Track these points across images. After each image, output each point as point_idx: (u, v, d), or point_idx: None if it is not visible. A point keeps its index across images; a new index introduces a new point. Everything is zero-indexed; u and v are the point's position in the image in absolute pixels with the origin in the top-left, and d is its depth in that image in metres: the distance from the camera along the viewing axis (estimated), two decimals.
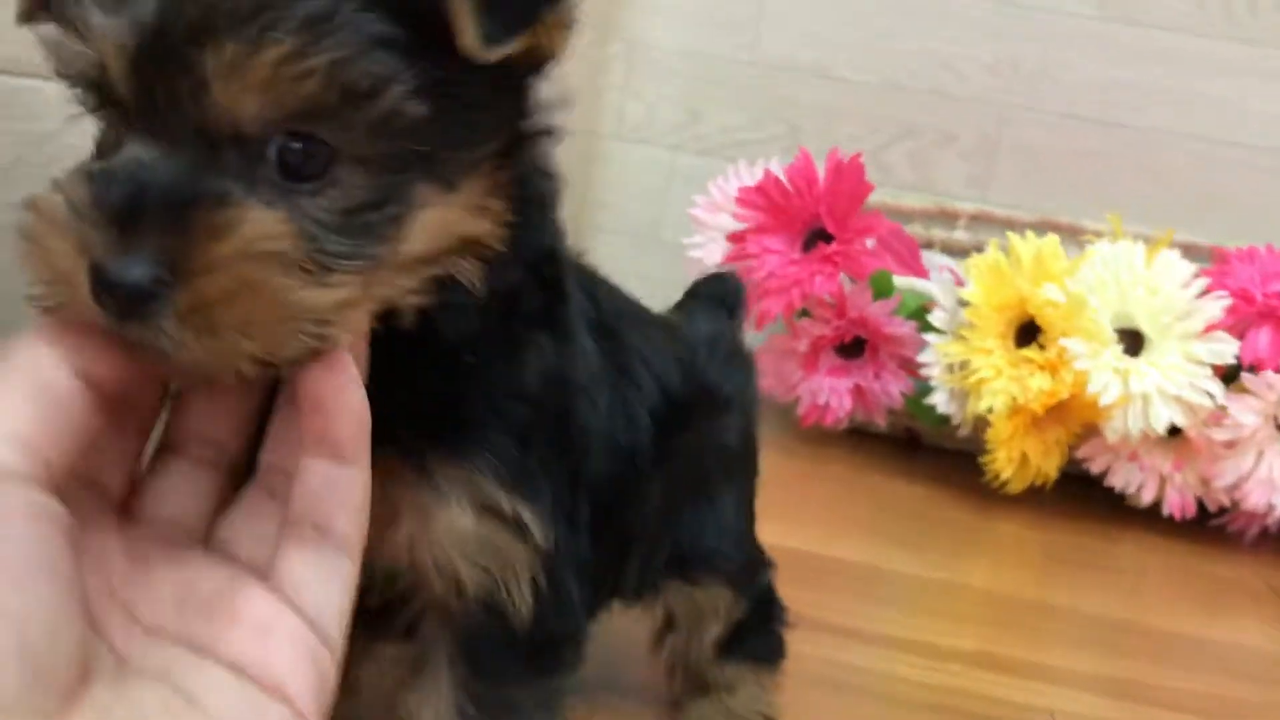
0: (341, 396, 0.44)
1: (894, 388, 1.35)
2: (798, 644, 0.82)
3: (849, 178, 1.29)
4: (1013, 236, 1.25)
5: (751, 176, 1.40)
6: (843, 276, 1.30)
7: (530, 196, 0.50)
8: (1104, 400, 1.19)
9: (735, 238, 1.34)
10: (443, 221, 0.45)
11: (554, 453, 0.53)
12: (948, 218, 1.70)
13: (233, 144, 0.41)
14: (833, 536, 1.14)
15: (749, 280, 1.33)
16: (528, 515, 0.50)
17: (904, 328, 1.31)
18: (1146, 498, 1.28)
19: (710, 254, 1.40)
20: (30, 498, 0.38)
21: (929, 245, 1.66)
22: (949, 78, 1.75)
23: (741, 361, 0.79)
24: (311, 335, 0.42)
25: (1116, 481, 1.29)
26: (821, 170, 1.32)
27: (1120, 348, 1.22)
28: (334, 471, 0.45)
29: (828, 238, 1.32)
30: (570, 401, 0.55)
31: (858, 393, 1.37)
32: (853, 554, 1.11)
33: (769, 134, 1.77)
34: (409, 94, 0.42)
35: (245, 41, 0.39)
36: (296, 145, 0.42)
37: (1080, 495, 1.36)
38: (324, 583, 0.44)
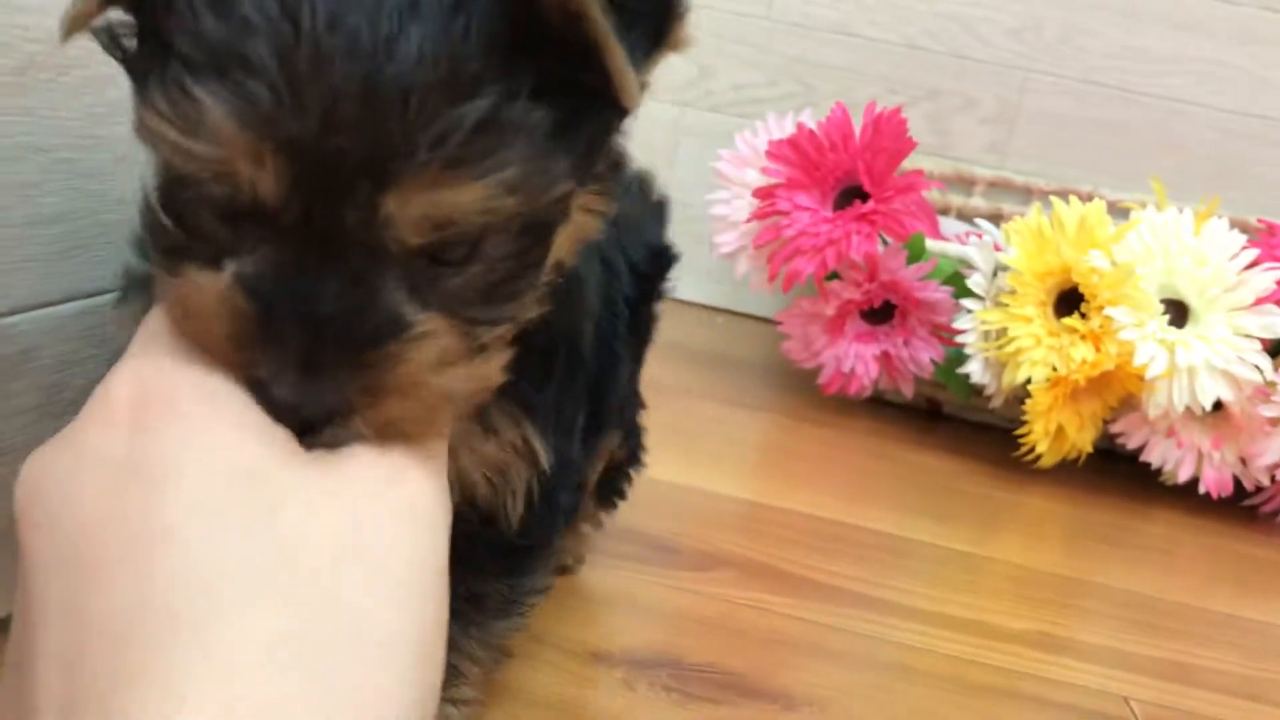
0: None
1: (924, 356, 1.30)
2: (825, 615, 0.82)
3: (888, 133, 1.24)
4: (1056, 202, 1.20)
5: (781, 130, 1.33)
6: (882, 238, 1.24)
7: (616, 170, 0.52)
8: (1150, 372, 1.14)
9: (762, 193, 1.28)
10: (567, 244, 0.47)
11: (566, 379, 0.56)
12: (965, 183, 1.65)
13: (393, 253, 0.41)
14: (856, 506, 1.09)
15: (777, 238, 1.27)
16: (537, 442, 0.53)
17: (938, 293, 1.26)
18: (1184, 475, 1.24)
19: (735, 209, 1.34)
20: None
21: (945, 211, 1.61)
22: (971, 41, 1.69)
23: (659, 203, 0.81)
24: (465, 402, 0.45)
25: (1153, 458, 1.25)
26: (858, 126, 1.26)
27: (1166, 319, 1.18)
28: None
29: (862, 196, 1.26)
30: (581, 326, 0.58)
31: (885, 360, 1.32)
32: (878, 524, 1.06)
33: (783, 92, 1.71)
34: (566, 181, 0.43)
35: (420, 166, 0.39)
36: (453, 247, 0.42)
37: (1110, 470, 1.32)
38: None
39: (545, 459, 0.54)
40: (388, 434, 0.42)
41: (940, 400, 1.43)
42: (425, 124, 0.39)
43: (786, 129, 1.33)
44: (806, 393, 1.39)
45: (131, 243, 0.51)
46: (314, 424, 0.41)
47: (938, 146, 1.69)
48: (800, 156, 1.27)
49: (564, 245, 0.47)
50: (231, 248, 0.42)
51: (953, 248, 1.30)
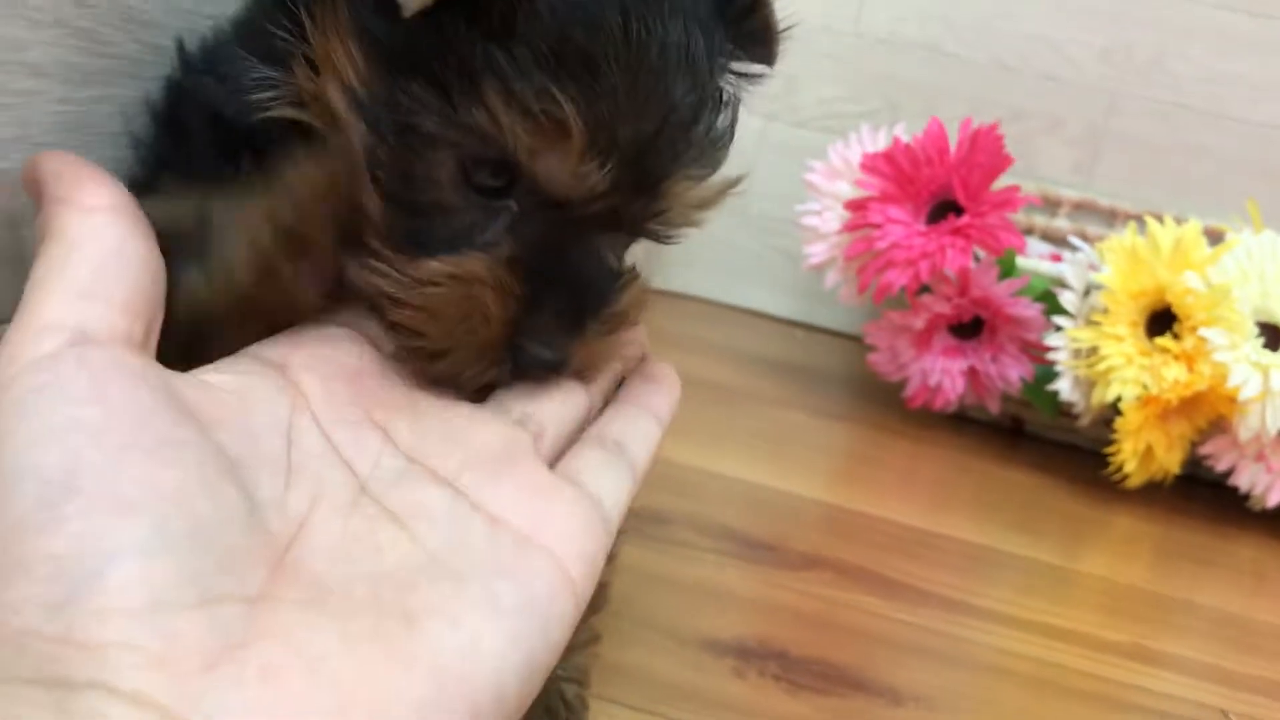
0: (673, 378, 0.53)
1: (1013, 372, 1.30)
2: (922, 618, 0.83)
3: (985, 149, 1.24)
4: (1151, 222, 1.20)
5: (874, 144, 1.34)
6: (976, 252, 1.25)
7: None
8: (1244, 395, 1.14)
9: (855, 205, 1.29)
10: None
11: None
12: (1050, 204, 1.65)
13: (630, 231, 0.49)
14: (942, 516, 1.09)
15: (869, 250, 1.28)
16: None
17: (1030, 310, 1.26)
18: (1273, 500, 1.23)
19: (825, 221, 1.35)
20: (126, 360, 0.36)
21: (1029, 231, 1.61)
22: (1060, 62, 1.70)
23: None
24: None
25: (1241, 481, 1.24)
26: (954, 140, 1.27)
27: (1260, 342, 1.17)
28: (639, 414, 0.50)
29: (956, 210, 1.27)
30: None
31: (971, 376, 1.32)
32: (965, 534, 1.06)
33: (867, 108, 1.72)
34: None
35: (695, 164, 0.46)
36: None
37: (1196, 493, 1.31)
38: (613, 479, 0.45)
39: None
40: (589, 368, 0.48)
41: (1024, 418, 1.43)
42: (705, 132, 0.46)
43: (880, 143, 1.34)
44: (890, 405, 1.40)
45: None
46: (538, 373, 0.46)
47: (1022, 167, 1.68)
48: (895, 170, 1.28)
49: None
50: (475, 230, 0.45)
51: (1045, 265, 1.30)
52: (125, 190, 0.40)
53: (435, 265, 0.44)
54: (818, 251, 1.37)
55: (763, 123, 1.76)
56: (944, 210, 1.28)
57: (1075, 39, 1.69)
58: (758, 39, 0.53)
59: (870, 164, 1.30)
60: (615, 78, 0.42)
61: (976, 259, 1.26)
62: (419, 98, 0.43)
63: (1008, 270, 1.28)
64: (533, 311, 0.44)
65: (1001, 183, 1.25)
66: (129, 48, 0.53)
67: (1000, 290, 1.26)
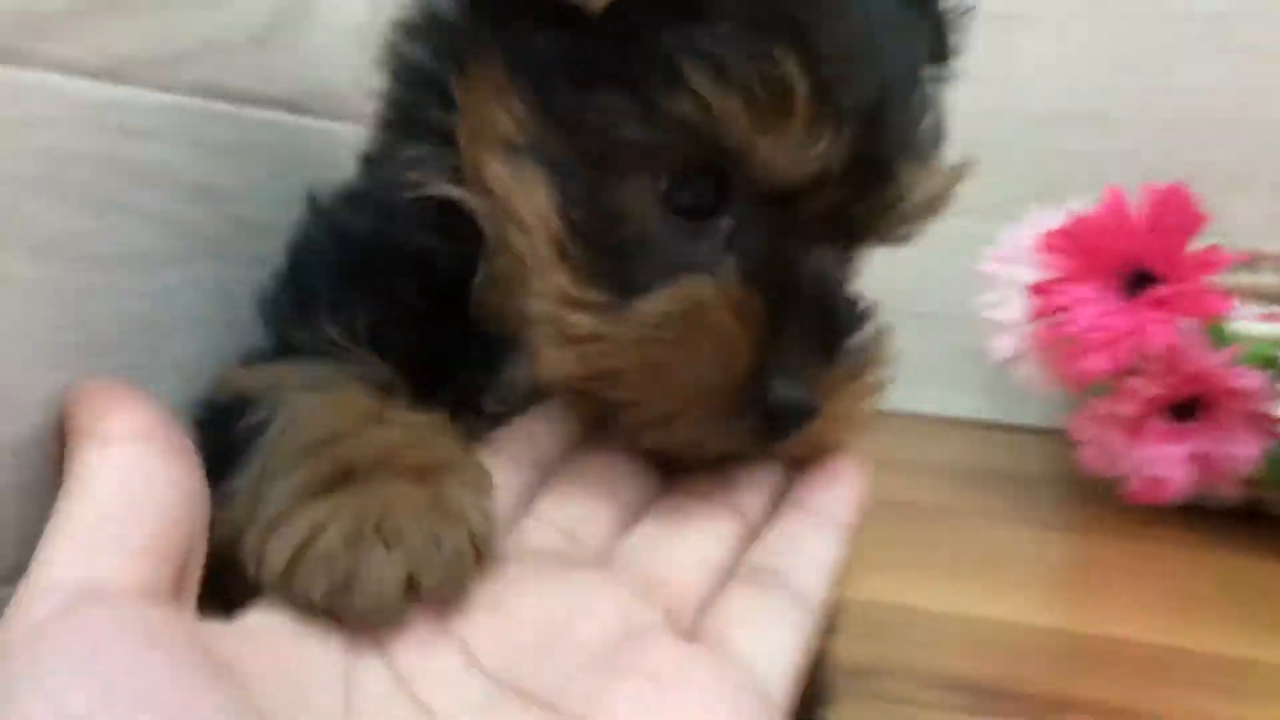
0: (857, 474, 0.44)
1: (1242, 450, 1.15)
2: None
3: (1173, 210, 1.13)
4: None
5: (1049, 222, 1.24)
6: (1181, 324, 1.12)
7: None
8: None
9: (1040, 288, 1.19)
10: None
11: None
12: (1252, 262, 1.50)
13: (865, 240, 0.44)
14: (1186, 624, 0.95)
15: (1061, 336, 1.17)
16: None
17: (1252, 379, 1.12)
18: None
19: (1009, 311, 1.25)
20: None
21: (1233, 293, 1.47)
22: (1235, 109, 1.56)
23: None
24: None
25: None
26: (1135, 206, 1.16)
27: None
28: (809, 529, 0.42)
29: (1150, 281, 1.15)
30: None
31: (1196, 460, 1.18)
32: (1215, 644, 0.92)
33: (1034, 188, 1.61)
34: None
35: (927, 146, 0.44)
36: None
37: None
38: (773, 631, 0.38)
39: None
40: (836, 429, 0.42)
41: (1262, 499, 1.27)
42: (927, 106, 0.43)
43: (1055, 220, 1.24)
44: (1108, 505, 1.26)
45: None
46: (788, 424, 0.39)
47: (1213, 226, 1.55)
48: (1077, 246, 1.17)
49: None
50: (686, 260, 0.39)
51: (1260, 327, 1.17)
52: (158, 412, 0.34)
53: (650, 305, 0.39)
54: (1005, 345, 1.26)
55: None
56: (1138, 283, 1.16)
57: (1249, 83, 1.56)
58: (937, 24, 0.50)
59: (1050, 243, 1.20)
60: (827, 38, 0.38)
61: (1182, 331, 1.13)
62: (611, 106, 0.38)
63: (1219, 339, 1.14)
64: (777, 342, 0.39)
65: (1198, 244, 1.13)
66: (209, 225, 0.48)
67: (1215, 361, 1.13)
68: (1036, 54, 1.62)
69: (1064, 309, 1.16)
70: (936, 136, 0.44)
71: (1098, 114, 1.60)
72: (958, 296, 1.39)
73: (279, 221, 0.47)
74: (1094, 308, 1.15)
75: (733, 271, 0.39)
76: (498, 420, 0.44)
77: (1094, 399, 1.21)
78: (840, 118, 0.38)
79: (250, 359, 0.44)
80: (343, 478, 0.35)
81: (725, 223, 0.40)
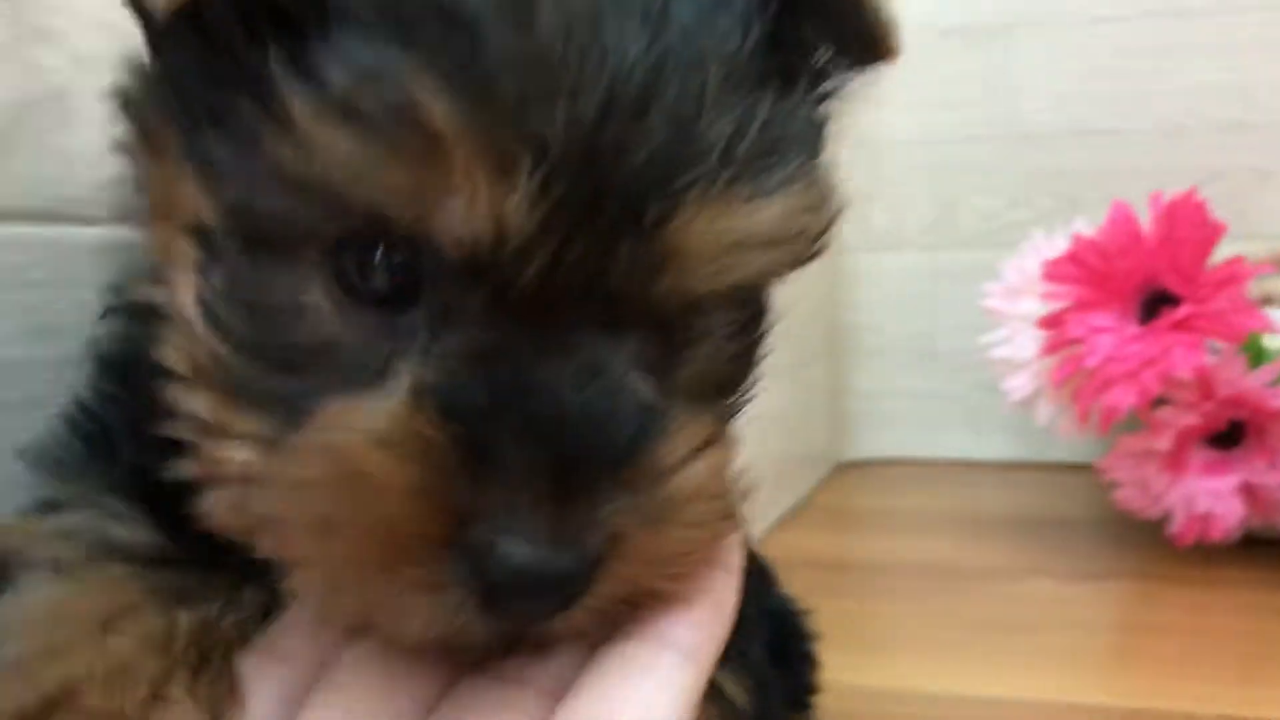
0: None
1: None
2: None
3: (1186, 222, 1.03)
4: None
5: (1052, 248, 1.15)
6: (1210, 345, 1.02)
7: None
8: None
9: (1050, 322, 1.09)
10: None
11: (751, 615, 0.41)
12: None
13: (650, 326, 0.31)
14: (1259, 686, 0.85)
15: (1079, 370, 1.07)
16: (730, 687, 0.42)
17: None
18: None
19: (1019, 347, 1.15)
20: None
21: (1267, 302, 1.36)
22: (1244, 107, 1.47)
23: None
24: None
25: None
26: (1145, 221, 1.06)
27: None
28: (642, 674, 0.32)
29: (1171, 301, 1.05)
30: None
31: (1246, 492, 1.07)
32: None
33: (1038, 210, 1.53)
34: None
35: (711, 178, 0.29)
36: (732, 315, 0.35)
37: None
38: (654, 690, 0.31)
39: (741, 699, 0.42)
40: (621, 602, 0.30)
41: None
42: (716, 120, 0.29)
43: (1058, 245, 1.14)
44: (1155, 548, 1.15)
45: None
46: (545, 595, 0.28)
47: (1239, 230, 1.45)
48: (1085, 271, 1.08)
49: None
50: (375, 366, 0.29)
51: None
52: None
53: (303, 439, 0.29)
54: (1019, 384, 1.17)
55: (926, 255, 1.58)
56: (1157, 304, 1.06)
57: (1254, 78, 1.46)
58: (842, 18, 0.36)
59: (1055, 271, 1.10)
60: (495, 33, 0.26)
61: (1214, 352, 1.03)
62: (232, 155, 0.29)
63: (1257, 357, 1.04)
64: (487, 482, 0.27)
65: (1218, 254, 1.03)
66: None
67: (1254, 382, 1.02)
68: (1028, 67, 1.54)
69: (1079, 341, 1.06)
70: (759, 154, 0.30)
71: (1089, 124, 1.52)
72: (970, 334, 1.30)
73: (41, 356, 0.39)
74: (1111, 337, 1.05)
75: (406, 387, 0.28)
76: None
77: (1125, 435, 1.11)
78: (535, 150, 0.26)
79: (25, 509, 0.37)
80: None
81: (419, 313, 0.29)
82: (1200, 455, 1.09)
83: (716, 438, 0.32)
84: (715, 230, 0.29)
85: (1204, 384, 1.04)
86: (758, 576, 0.55)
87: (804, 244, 0.32)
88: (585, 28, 0.27)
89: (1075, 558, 1.18)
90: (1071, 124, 1.53)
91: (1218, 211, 1.05)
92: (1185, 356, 1.01)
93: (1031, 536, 1.24)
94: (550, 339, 0.28)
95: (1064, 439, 1.20)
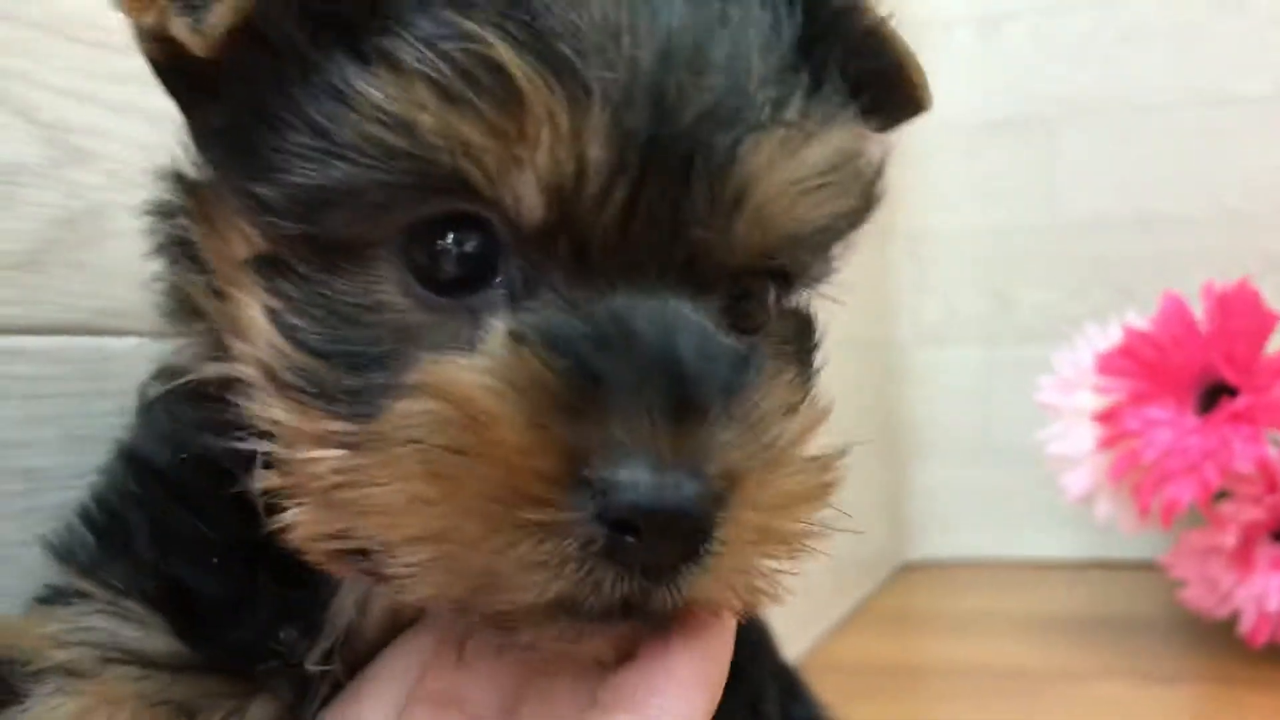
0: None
1: None
2: None
3: (1240, 312, 1.01)
4: None
5: (1106, 340, 1.13)
6: (1271, 436, 0.99)
7: None
8: None
9: (1105, 416, 1.07)
10: None
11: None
12: None
13: (729, 284, 0.32)
14: None
15: (1136, 465, 1.05)
16: None
17: None
18: None
19: (1075, 442, 1.13)
20: None
21: None
22: None
23: None
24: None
25: None
26: (1198, 311, 1.04)
27: None
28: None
29: (1229, 391, 1.02)
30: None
31: None
32: None
33: (1095, 301, 1.50)
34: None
35: (772, 124, 0.31)
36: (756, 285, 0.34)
37: None
38: None
39: None
40: (751, 556, 0.30)
41: None
42: (764, 80, 0.31)
43: (1111, 337, 1.13)
44: (1226, 649, 1.11)
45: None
46: (673, 543, 0.28)
47: None
48: (1139, 363, 1.06)
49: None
50: (452, 338, 0.30)
51: None
52: None
53: (397, 411, 0.29)
54: (1076, 480, 1.14)
55: (983, 348, 1.56)
56: (1214, 395, 1.04)
57: None
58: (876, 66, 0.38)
59: (1108, 363, 1.08)
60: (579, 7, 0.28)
61: (1275, 443, 1.00)
62: (303, 154, 0.30)
63: None
64: (603, 413, 0.27)
65: (1273, 344, 1.01)
66: None
67: None
68: (1077, 158, 1.53)
69: (1135, 435, 1.04)
70: (804, 109, 0.31)
71: (1145, 211, 1.50)
72: (1026, 428, 1.27)
73: (77, 464, 0.40)
74: (1169, 430, 1.03)
75: (501, 338, 0.28)
76: (326, 681, 0.35)
77: (1188, 531, 1.08)
78: (597, 94, 0.28)
79: (40, 598, 0.37)
80: None
81: (499, 289, 0.30)
82: (1268, 551, 1.05)
83: (804, 398, 0.34)
84: (778, 166, 0.30)
85: (1267, 476, 1.01)
86: (785, 681, 0.53)
87: (858, 189, 0.34)
88: (636, 8, 0.29)
89: (1144, 659, 1.14)
90: (1123, 213, 1.51)
91: (1272, 300, 1.03)
92: (1245, 449, 0.98)
93: (1098, 637, 1.20)
94: (636, 293, 0.29)
95: (1126, 535, 1.17)
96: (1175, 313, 1.06)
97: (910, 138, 1.54)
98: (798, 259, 0.34)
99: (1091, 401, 1.11)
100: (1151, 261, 1.48)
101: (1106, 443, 1.08)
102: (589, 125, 0.28)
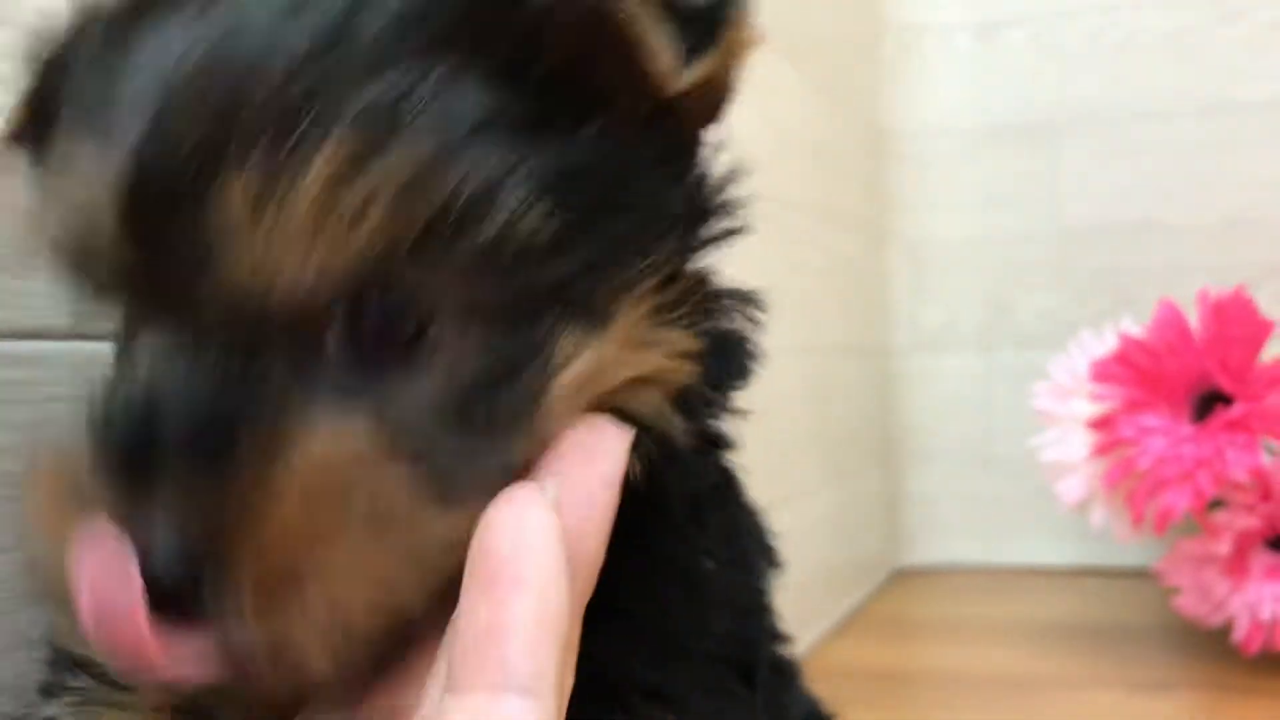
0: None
1: None
2: None
3: (1235, 319, 1.01)
4: None
5: (1101, 347, 1.13)
6: (1265, 445, 0.99)
7: (716, 314, 0.36)
8: None
9: (1100, 423, 1.07)
10: (595, 372, 0.32)
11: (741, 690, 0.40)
12: None
13: (275, 325, 0.28)
14: None
15: (1131, 473, 1.05)
16: None
17: None
18: None
19: (1070, 449, 1.12)
20: None
21: None
22: None
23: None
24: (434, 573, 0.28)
25: None
26: (1194, 318, 1.04)
27: None
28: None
29: (1224, 400, 1.02)
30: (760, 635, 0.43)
31: None
32: None
33: (1095, 308, 1.50)
34: (531, 197, 0.29)
35: (271, 164, 0.27)
36: (371, 309, 0.29)
37: None
38: None
39: None
40: (273, 600, 0.26)
41: None
42: (278, 97, 0.27)
43: (1107, 344, 1.13)
44: (1220, 657, 1.10)
45: None
46: (167, 597, 0.26)
47: None
48: (1133, 371, 1.06)
49: (590, 382, 0.32)
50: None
51: None
52: None
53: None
54: (1071, 487, 1.14)
55: (982, 355, 1.56)
56: (1209, 404, 1.04)
57: None
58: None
59: (1104, 371, 1.08)
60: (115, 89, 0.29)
61: (1270, 452, 1.00)
62: None
63: None
64: (108, 483, 0.27)
65: (1268, 352, 1.01)
66: None
67: None
68: (1077, 166, 1.53)
69: (1130, 443, 1.04)
70: (330, 130, 0.27)
71: (1148, 220, 1.50)
72: (1023, 435, 1.27)
73: None
74: (1163, 438, 1.03)
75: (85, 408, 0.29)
76: None
77: (1183, 539, 1.08)
78: (106, 160, 0.28)
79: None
80: None
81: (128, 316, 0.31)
82: (1262, 559, 1.05)
83: (355, 447, 0.28)
84: (258, 214, 0.27)
85: (1262, 485, 1.01)
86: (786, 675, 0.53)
87: (396, 220, 0.28)
88: (143, 60, 0.29)
89: (1139, 667, 1.13)
90: (1123, 221, 1.51)
91: (1269, 308, 1.03)
92: (1240, 457, 0.98)
93: (1092, 645, 1.20)
94: (180, 340, 0.28)
95: (1120, 543, 1.17)
96: (1170, 320, 1.06)
97: (908, 144, 1.56)
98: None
99: (1087, 409, 1.11)
100: (1152, 268, 1.48)
101: (1101, 450, 1.08)
102: (100, 205, 0.28)
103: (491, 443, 0.30)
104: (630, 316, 0.32)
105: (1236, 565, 1.05)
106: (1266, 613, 1.04)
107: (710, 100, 0.34)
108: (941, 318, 1.58)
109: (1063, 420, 1.15)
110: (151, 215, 0.27)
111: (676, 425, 0.34)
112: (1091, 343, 1.16)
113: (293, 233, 0.27)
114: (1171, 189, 1.49)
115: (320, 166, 0.26)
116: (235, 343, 0.28)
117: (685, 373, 0.34)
